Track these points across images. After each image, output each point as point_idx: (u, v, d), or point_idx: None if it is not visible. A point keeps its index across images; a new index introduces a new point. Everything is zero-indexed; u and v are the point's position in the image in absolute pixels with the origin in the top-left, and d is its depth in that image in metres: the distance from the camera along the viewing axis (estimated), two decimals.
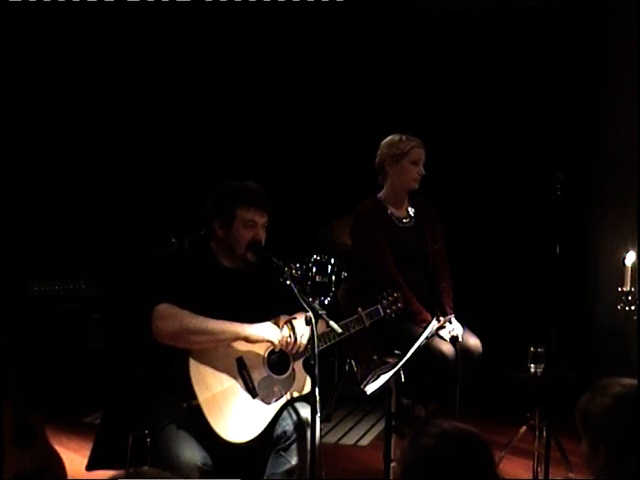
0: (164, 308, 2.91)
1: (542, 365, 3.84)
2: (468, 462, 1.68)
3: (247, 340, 2.96)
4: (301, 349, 3.04)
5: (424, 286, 3.95)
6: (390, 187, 3.95)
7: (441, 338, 3.68)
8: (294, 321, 3.03)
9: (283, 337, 3.01)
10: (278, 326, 3.04)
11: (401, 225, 3.95)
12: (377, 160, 3.95)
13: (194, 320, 2.88)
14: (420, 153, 3.89)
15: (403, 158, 3.86)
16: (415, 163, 3.87)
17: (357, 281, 4.13)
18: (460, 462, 1.67)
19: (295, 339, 3.01)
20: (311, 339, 2.74)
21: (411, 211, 4.01)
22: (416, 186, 3.92)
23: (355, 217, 3.99)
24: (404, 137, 3.90)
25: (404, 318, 3.66)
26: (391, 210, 3.95)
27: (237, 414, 2.89)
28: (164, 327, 2.89)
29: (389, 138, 3.94)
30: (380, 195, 3.99)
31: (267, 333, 2.98)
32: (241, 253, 3.07)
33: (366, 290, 3.76)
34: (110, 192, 5.99)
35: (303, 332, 3.01)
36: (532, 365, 3.87)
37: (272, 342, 2.99)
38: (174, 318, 2.89)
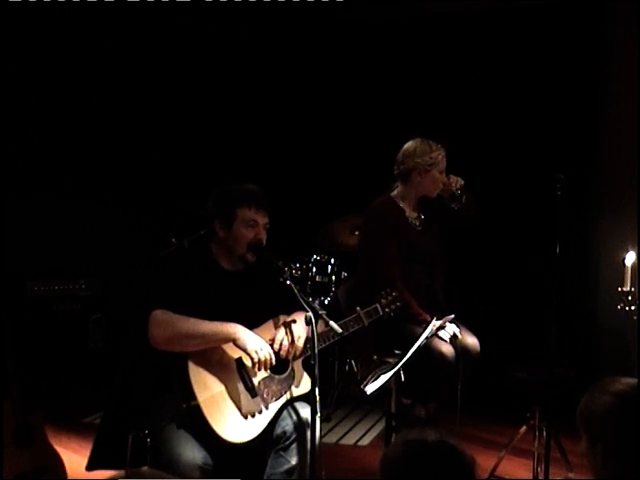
0: (157, 315, 2.91)
1: None
2: (442, 473, 1.66)
3: (235, 344, 2.91)
4: (298, 352, 3.02)
5: (426, 288, 3.95)
6: (410, 191, 3.93)
7: (440, 339, 3.68)
8: (293, 325, 3.01)
9: (277, 339, 2.98)
10: (277, 326, 3.04)
11: (415, 228, 3.95)
12: (402, 166, 3.89)
13: (186, 324, 2.87)
14: (445, 160, 3.88)
15: (434, 167, 3.85)
16: (441, 172, 3.87)
17: (358, 278, 4.11)
18: (434, 473, 1.65)
19: (292, 341, 2.99)
20: (311, 339, 2.74)
21: (421, 214, 4.00)
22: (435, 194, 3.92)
23: (372, 213, 3.95)
24: (432, 145, 3.86)
25: (405, 318, 3.66)
26: (407, 212, 3.95)
27: (237, 414, 2.89)
28: (158, 335, 2.89)
29: (417, 146, 3.87)
30: (395, 195, 3.96)
31: (250, 344, 2.88)
32: (241, 254, 3.06)
33: (366, 289, 3.75)
34: (110, 192, 5.99)
35: (300, 334, 3.00)
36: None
37: (250, 355, 2.88)
38: (166, 324, 2.89)
